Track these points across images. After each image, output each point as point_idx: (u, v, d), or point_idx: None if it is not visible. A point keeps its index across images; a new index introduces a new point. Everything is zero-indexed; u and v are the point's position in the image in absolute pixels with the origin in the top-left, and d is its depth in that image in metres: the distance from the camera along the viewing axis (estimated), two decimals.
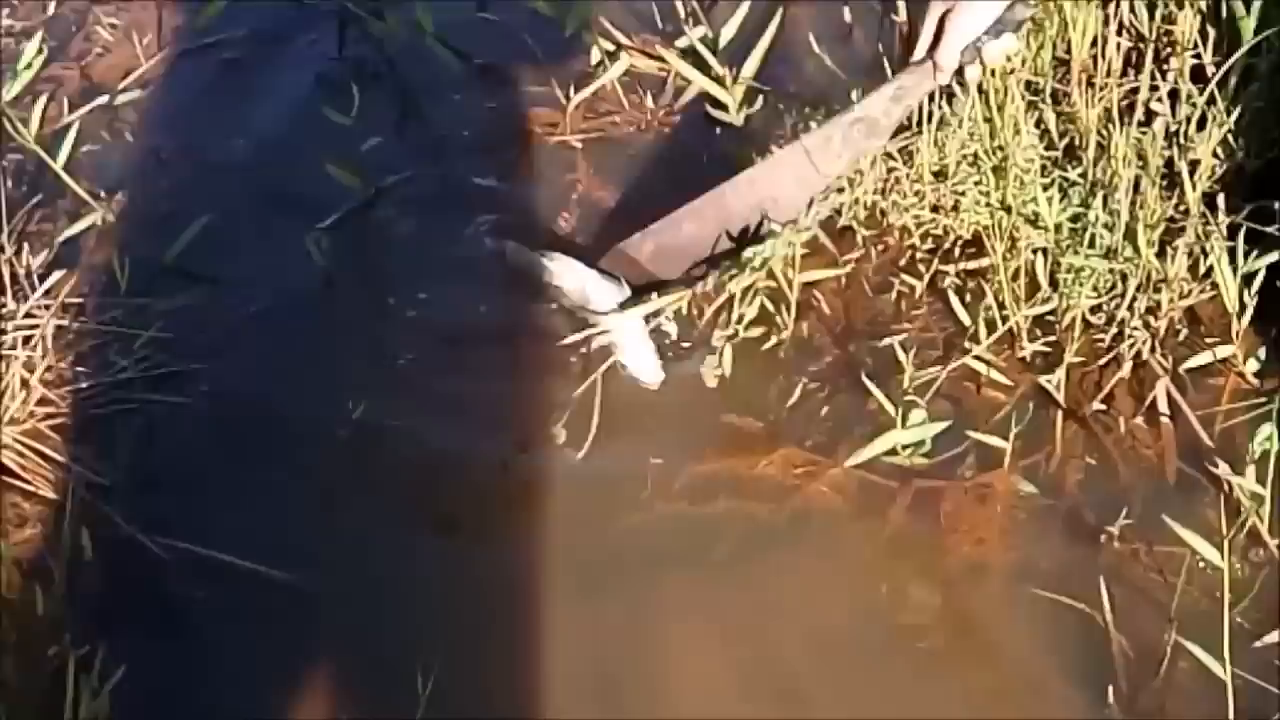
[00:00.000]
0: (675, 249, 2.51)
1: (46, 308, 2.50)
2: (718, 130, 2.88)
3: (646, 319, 2.46)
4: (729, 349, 2.45)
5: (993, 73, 2.51)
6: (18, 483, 2.30)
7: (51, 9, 3.27)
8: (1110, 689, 2.07)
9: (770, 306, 2.50)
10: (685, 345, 2.50)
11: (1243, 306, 2.42)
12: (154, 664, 2.08)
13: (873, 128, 2.48)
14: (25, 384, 2.38)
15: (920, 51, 2.43)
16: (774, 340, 2.50)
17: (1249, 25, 2.57)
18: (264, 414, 2.42)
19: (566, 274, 2.52)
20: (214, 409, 2.42)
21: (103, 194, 2.78)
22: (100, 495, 2.28)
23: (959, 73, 2.42)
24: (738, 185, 2.52)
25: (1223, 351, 2.44)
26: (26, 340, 2.45)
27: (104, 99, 3.02)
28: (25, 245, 2.64)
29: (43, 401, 2.40)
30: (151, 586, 2.19)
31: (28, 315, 2.49)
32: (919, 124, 2.60)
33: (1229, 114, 2.54)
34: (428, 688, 2.00)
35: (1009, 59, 2.48)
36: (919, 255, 2.63)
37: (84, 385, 2.42)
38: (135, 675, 2.03)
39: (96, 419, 2.39)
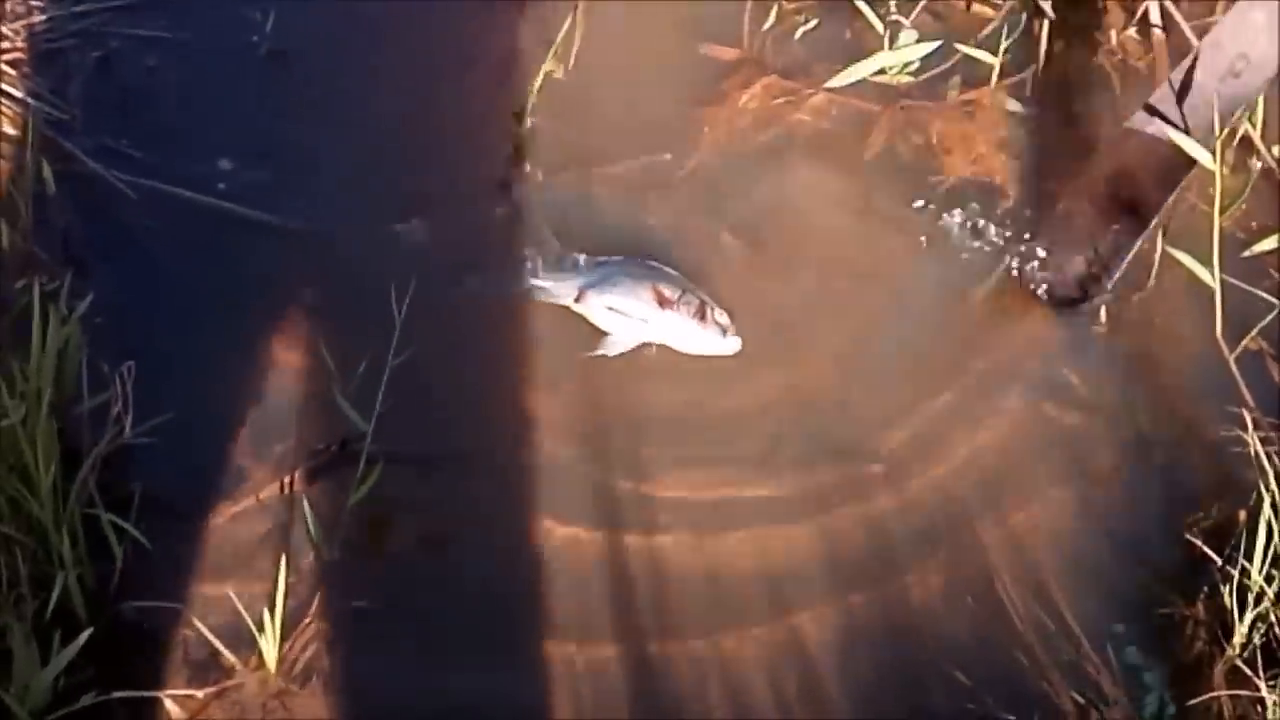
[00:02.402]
0: None
1: None
2: None
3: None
4: None
5: None
6: None
7: None
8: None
9: None
10: None
11: None
12: (121, 293, 2.04)
13: None
14: None
15: None
16: None
17: None
18: (226, 46, 2.34)
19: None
20: (174, 43, 2.33)
21: None
22: (61, 131, 2.20)
23: None
24: (1202, 54, 2.04)
25: None
26: None
27: None
28: None
29: None
30: (115, 221, 2.14)
31: None
32: None
33: None
34: (403, 312, 1.94)
35: None
36: None
37: (40, 19, 2.32)
38: (103, 304, 1.99)
39: (54, 53, 2.30)
